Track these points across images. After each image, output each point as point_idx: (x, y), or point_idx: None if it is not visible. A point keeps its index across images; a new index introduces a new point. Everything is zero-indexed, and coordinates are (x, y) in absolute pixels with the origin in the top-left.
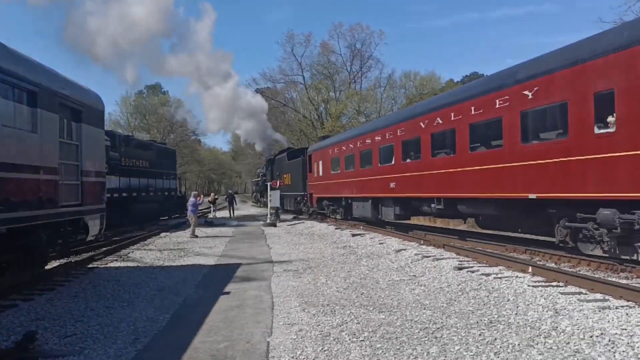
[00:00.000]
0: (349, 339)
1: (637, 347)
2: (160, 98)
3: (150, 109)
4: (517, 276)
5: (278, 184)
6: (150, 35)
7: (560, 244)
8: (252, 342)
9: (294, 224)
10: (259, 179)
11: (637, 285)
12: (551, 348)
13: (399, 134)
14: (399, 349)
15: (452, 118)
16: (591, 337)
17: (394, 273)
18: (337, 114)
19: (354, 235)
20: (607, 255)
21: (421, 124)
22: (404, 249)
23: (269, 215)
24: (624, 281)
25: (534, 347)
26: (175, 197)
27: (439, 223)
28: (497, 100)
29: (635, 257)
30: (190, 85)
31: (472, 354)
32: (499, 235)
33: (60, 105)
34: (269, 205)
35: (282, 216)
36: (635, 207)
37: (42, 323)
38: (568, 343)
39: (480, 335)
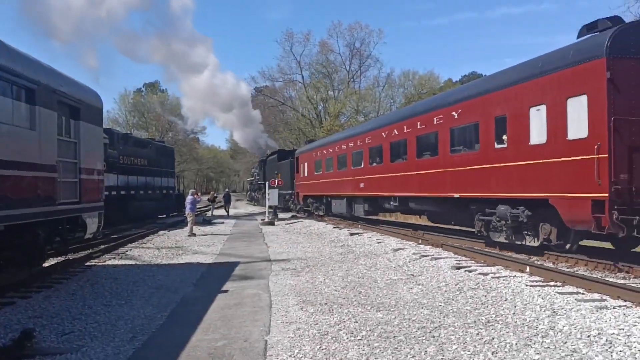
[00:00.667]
0: (347, 338)
1: (635, 347)
2: (159, 96)
3: (149, 107)
4: (515, 276)
5: (277, 182)
6: (124, 5)
7: (478, 233)
8: (250, 341)
9: (292, 222)
10: (253, 178)
11: (634, 285)
12: (548, 347)
13: (367, 141)
14: (396, 348)
15: (405, 130)
16: (588, 336)
17: (392, 272)
18: (335, 113)
19: (352, 234)
20: (507, 241)
21: (383, 134)
22: (402, 248)
23: (267, 214)
24: (622, 281)
25: (532, 347)
26: (174, 195)
27: (401, 218)
28: (435, 118)
29: (524, 243)
30: (165, 73)
31: (469, 353)
32: None
33: (59, 102)
34: (267, 204)
35: (280, 215)
36: (520, 204)
37: (39, 321)
38: (565, 342)
39: (477, 334)
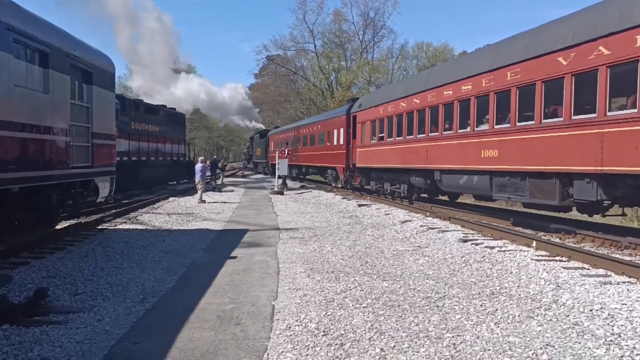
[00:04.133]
0: (352, 305)
1: (636, 322)
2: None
3: None
4: (521, 250)
5: (286, 153)
6: None
7: (328, 183)
8: (257, 305)
9: (301, 192)
10: (247, 150)
11: (639, 262)
12: (551, 320)
13: (295, 132)
14: (401, 316)
15: (307, 130)
16: (591, 310)
17: (399, 243)
18: (347, 84)
19: (360, 205)
20: (333, 184)
21: (301, 130)
22: (410, 220)
23: (276, 183)
24: (627, 258)
25: (534, 319)
26: (184, 162)
27: (316, 178)
28: (314, 127)
29: (337, 185)
30: None
31: (472, 323)
32: (505, 209)
33: (72, 66)
34: (277, 174)
35: (290, 184)
36: (332, 169)
37: (53, 280)
38: (568, 315)
39: (481, 305)
